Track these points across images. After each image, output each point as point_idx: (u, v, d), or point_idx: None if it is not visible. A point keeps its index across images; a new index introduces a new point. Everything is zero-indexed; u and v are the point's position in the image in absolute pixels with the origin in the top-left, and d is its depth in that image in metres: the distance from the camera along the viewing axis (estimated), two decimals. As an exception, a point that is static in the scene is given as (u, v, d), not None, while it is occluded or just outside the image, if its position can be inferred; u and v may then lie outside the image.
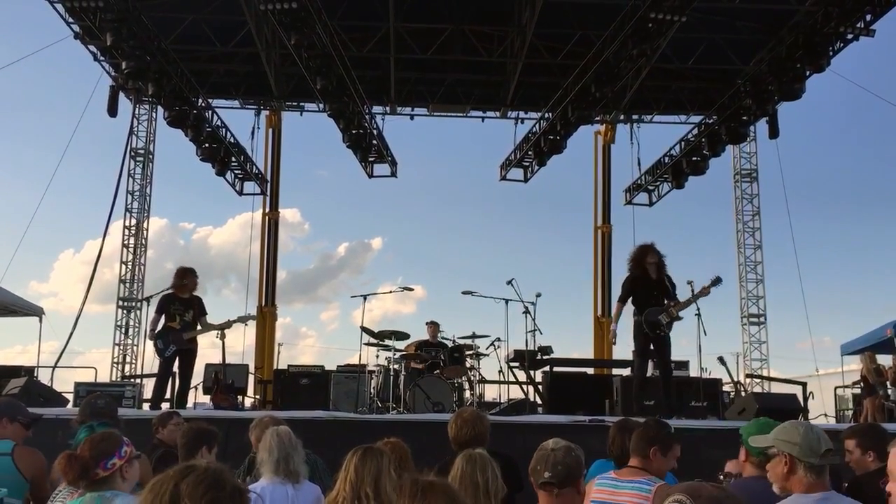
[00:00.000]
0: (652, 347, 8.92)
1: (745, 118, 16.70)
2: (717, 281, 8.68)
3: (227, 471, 1.82)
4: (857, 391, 13.67)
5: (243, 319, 9.99)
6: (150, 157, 20.34)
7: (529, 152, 18.44)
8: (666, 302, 8.70)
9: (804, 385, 12.40)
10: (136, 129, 19.54)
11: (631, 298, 8.88)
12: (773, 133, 17.60)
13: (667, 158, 19.04)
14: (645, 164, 19.98)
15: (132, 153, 19.58)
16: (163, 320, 9.39)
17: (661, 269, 8.81)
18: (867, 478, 4.08)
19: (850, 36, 13.90)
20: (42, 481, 4.56)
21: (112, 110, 17.02)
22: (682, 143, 18.48)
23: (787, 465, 3.03)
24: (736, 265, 20.74)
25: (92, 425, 3.82)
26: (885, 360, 12.92)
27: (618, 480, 3.76)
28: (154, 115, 20.09)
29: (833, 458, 2.97)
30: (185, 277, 9.53)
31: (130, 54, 13.97)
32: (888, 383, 12.37)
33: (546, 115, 17.38)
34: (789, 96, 15.35)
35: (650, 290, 8.76)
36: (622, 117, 19.94)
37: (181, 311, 9.39)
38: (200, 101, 16.99)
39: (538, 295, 10.77)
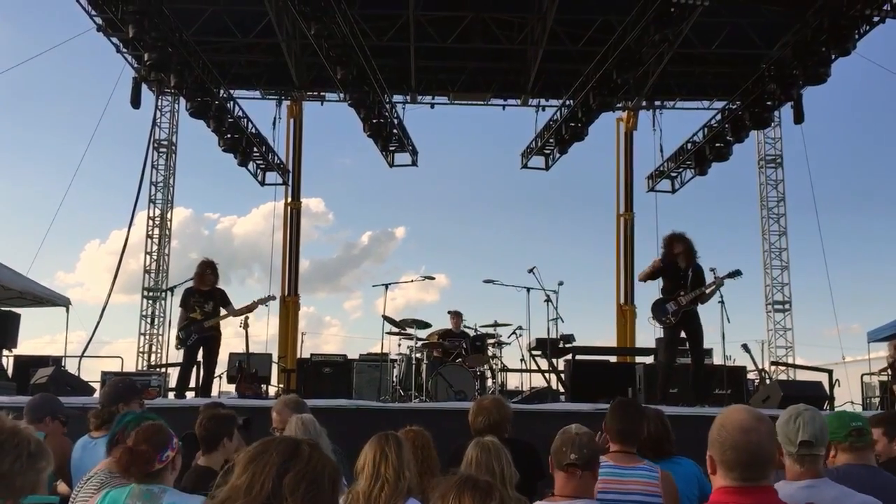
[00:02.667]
0: (683, 335, 8.91)
1: (769, 103, 16.49)
2: (734, 273, 8.61)
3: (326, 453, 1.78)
4: (884, 378, 13.50)
5: (264, 301, 10.04)
6: (174, 147, 20.50)
7: (551, 140, 18.35)
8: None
9: (830, 373, 12.26)
10: (158, 120, 19.70)
11: (661, 287, 8.87)
12: (798, 118, 17.38)
13: (690, 145, 18.88)
14: (667, 151, 19.85)
15: (155, 144, 19.74)
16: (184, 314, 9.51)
17: (690, 257, 8.76)
18: (891, 464, 4.07)
19: (876, 18, 13.68)
20: (65, 469, 4.62)
21: (135, 102, 17.15)
22: (706, 129, 18.31)
23: (779, 451, 3.06)
24: (760, 252, 20.59)
25: (142, 414, 3.84)
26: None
27: (619, 468, 3.74)
28: (176, 106, 20.23)
29: (811, 450, 2.96)
30: (205, 270, 9.62)
31: (152, 46, 14.05)
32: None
33: (567, 103, 17.28)
34: (814, 80, 15.14)
35: (678, 279, 8.72)
36: (644, 104, 19.79)
37: (201, 302, 9.49)
38: (222, 92, 17.07)
39: (560, 283, 10.74)
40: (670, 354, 9.04)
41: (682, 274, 8.72)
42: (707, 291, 8.62)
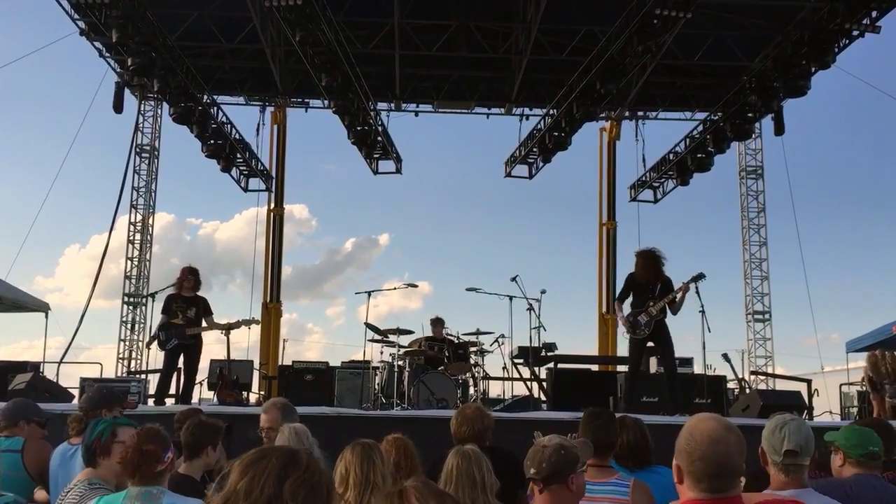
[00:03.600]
0: (651, 345, 9.00)
1: (750, 115, 16.66)
2: (698, 277, 8.69)
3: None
4: (862, 389, 13.63)
5: (247, 323, 9.97)
6: (156, 153, 20.39)
7: (534, 149, 18.43)
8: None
9: (809, 382, 12.38)
10: (141, 125, 19.59)
11: (630, 300, 8.97)
12: (779, 130, 17.57)
13: (672, 155, 19.02)
14: (650, 161, 20.00)
15: (138, 149, 19.63)
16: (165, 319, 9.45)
17: (658, 271, 8.86)
18: None
19: (855, 32, 13.85)
20: (44, 475, 4.58)
21: (118, 107, 17.07)
22: (688, 139, 18.45)
23: (762, 458, 3.11)
24: (741, 262, 20.73)
25: (115, 420, 3.82)
26: None
27: (589, 484, 3.60)
28: (159, 111, 20.14)
29: (795, 460, 2.97)
30: (187, 277, 9.58)
31: (136, 51, 13.99)
32: (886, 381, 12.30)
33: (551, 112, 17.37)
34: (795, 93, 15.33)
35: (646, 292, 8.82)
36: (627, 114, 19.94)
37: (183, 308, 9.44)
38: (205, 97, 17.02)
39: (543, 292, 10.77)
40: (636, 360, 9.11)
41: (650, 287, 8.82)
42: (675, 298, 8.69)
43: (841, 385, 15.93)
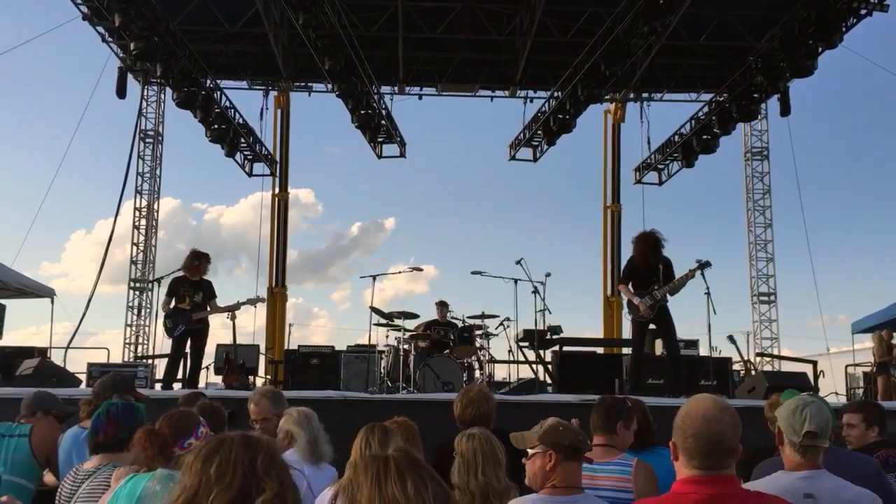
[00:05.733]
0: (653, 327, 9.00)
1: (756, 95, 16.57)
2: (704, 265, 8.67)
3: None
4: (868, 370, 13.64)
5: (252, 302, 10.03)
6: (160, 138, 20.38)
7: (539, 132, 18.38)
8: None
9: (815, 364, 12.37)
10: (144, 110, 19.58)
11: (631, 283, 8.98)
12: (785, 110, 17.46)
13: (677, 137, 18.95)
14: (655, 143, 19.93)
15: (142, 134, 19.63)
16: (173, 303, 9.47)
17: (659, 255, 8.86)
18: (865, 450, 4.23)
19: (863, 11, 13.76)
20: (52, 459, 4.60)
21: (121, 92, 17.05)
22: (693, 121, 18.37)
23: (778, 437, 3.11)
24: (746, 244, 20.70)
25: (117, 405, 3.83)
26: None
27: (594, 464, 3.62)
28: (163, 96, 20.12)
29: (815, 441, 2.98)
30: (198, 260, 9.60)
31: (138, 35, 13.95)
32: (894, 362, 12.33)
33: (555, 94, 17.30)
34: (801, 73, 15.21)
35: (649, 274, 8.82)
36: (632, 96, 19.84)
37: (191, 292, 9.47)
38: (209, 82, 16.98)
39: (547, 275, 10.77)
40: (638, 344, 9.14)
41: (652, 270, 8.81)
42: (678, 283, 8.71)
43: (847, 366, 15.94)
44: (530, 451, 3.18)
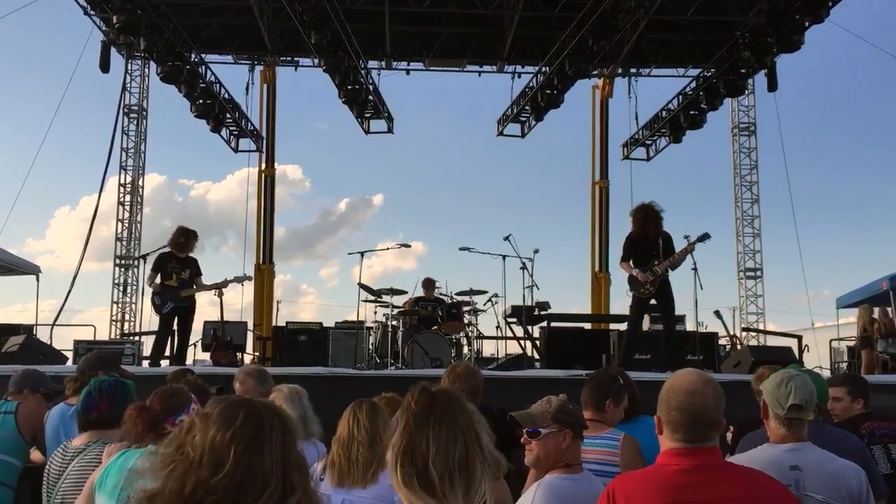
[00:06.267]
0: (653, 303, 8.99)
1: (743, 71, 16.57)
2: (703, 237, 8.66)
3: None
4: (852, 344, 13.78)
5: (239, 280, 9.99)
6: (144, 113, 20.18)
7: (526, 107, 18.32)
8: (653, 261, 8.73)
9: (800, 338, 12.49)
10: (128, 85, 19.35)
11: (632, 259, 8.90)
12: (772, 86, 17.46)
13: (664, 112, 18.94)
14: (643, 119, 19.91)
15: (126, 109, 19.42)
16: (159, 279, 9.41)
17: (658, 227, 8.79)
18: (851, 422, 4.26)
19: (851, -14, 13.72)
20: (39, 437, 4.59)
21: (104, 66, 16.80)
22: (680, 96, 18.36)
23: (763, 411, 3.15)
24: (733, 219, 20.77)
25: (108, 381, 3.82)
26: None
27: (584, 438, 3.72)
28: (147, 70, 19.88)
29: (799, 414, 3.01)
30: (185, 237, 9.53)
31: (121, 8, 13.78)
32: (878, 336, 12.44)
33: (543, 69, 17.23)
34: (788, 48, 15.21)
35: (649, 249, 8.76)
36: (620, 71, 19.77)
37: (178, 269, 9.41)
38: (193, 56, 16.79)
39: (536, 251, 10.79)
40: (634, 318, 9.11)
41: (653, 244, 8.76)
42: (678, 257, 8.67)
43: (831, 340, 16.10)
44: (543, 431, 3.11)
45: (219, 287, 9.65)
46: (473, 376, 4.60)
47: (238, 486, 1.49)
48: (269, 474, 1.53)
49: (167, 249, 9.56)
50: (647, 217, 8.79)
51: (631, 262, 8.86)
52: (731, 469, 2.48)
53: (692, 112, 17.82)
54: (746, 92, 19.27)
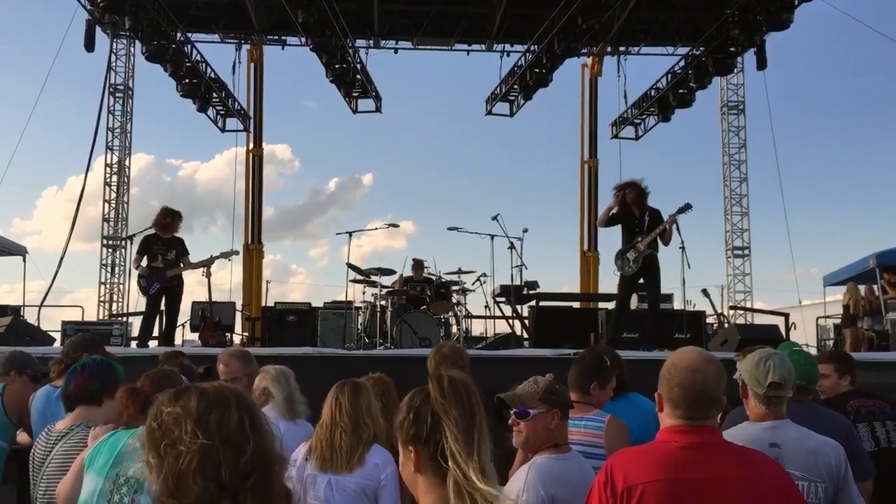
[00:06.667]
0: (641, 281, 9.00)
1: (732, 49, 16.54)
2: (685, 208, 8.62)
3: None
4: (838, 321, 13.86)
5: (226, 255, 9.91)
6: (130, 93, 19.99)
7: (515, 86, 18.25)
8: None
9: (787, 316, 12.57)
10: (114, 64, 19.14)
11: (622, 236, 8.89)
12: (761, 64, 17.44)
13: (653, 91, 18.90)
14: (632, 98, 19.86)
15: (111, 89, 19.22)
16: (145, 260, 9.36)
17: (642, 202, 8.77)
18: (835, 400, 4.28)
19: (840, -36, 13.68)
20: (26, 419, 4.58)
21: (89, 45, 16.62)
22: (669, 75, 18.31)
23: (742, 390, 3.17)
24: (721, 198, 20.83)
25: (94, 359, 3.80)
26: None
27: (569, 420, 3.59)
28: (132, 49, 19.66)
29: (779, 392, 3.03)
30: (170, 218, 9.47)
31: (105, -14, 13.60)
32: (863, 314, 12.51)
33: (532, 48, 17.14)
34: (777, 26, 15.18)
35: (633, 226, 8.75)
36: (609, 49, 19.69)
37: (163, 250, 9.36)
38: (179, 35, 16.62)
39: (525, 230, 10.79)
40: (622, 297, 9.12)
41: (637, 221, 8.75)
42: (661, 231, 8.62)
43: (818, 318, 16.19)
44: (532, 412, 3.09)
45: (206, 264, 9.59)
46: (459, 356, 4.61)
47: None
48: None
49: (152, 231, 9.50)
50: (631, 195, 8.76)
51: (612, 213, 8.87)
52: (730, 448, 2.49)
53: (681, 91, 17.79)
54: (735, 70, 19.27)
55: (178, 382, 3.35)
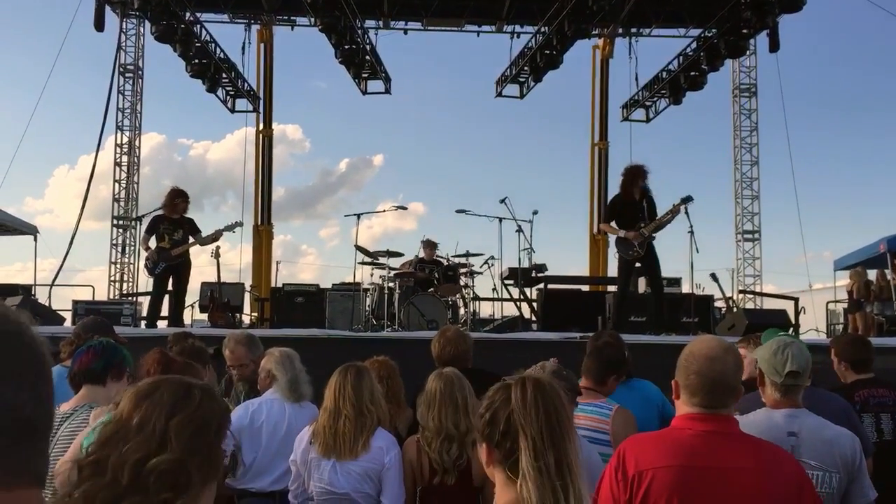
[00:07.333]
0: (639, 265, 9.01)
1: (744, 31, 16.38)
2: (686, 199, 8.64)
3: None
4: (846, 306, 13.83)
5: (230, 228, 9.88)
6: (140, 73, 19.97)
7: (525, 68, 18.14)
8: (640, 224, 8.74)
9: (796, 300, 12.52)
10: (123, 44, 19.11)
11: (615, 221, 8.91)
12: (774, 46, 17.28)
13: (665, 73, 18.74)
14: (643, 80, 19.71)
15: (121, 69, 19.20)
16: (153, 241, 9.40)
17: (639, 186, 8.78)
18: (849, 388, 4.30)
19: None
20: None
21: (98, 25, 16.63)
22: (681, 57, 18.15)
23: (760, 378, 3.16)
24: (732, 182, 20.70)
25: (101, 341, 3.83)
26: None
27: (578, 405, 3.65)
28: (142, 30, 19.61)
29: (796, 380, 3.03)
30: (178, 199, 9.50)
31: (114, -34, 13.56)
32: (874, 298, 12.47)
33: (542, 29, 17.01)
34: (790, 8, 15.05)
35: (634, 211, 8.77)
36: (620, 31, 19.53)
37: (170, 230, 9.38)
38: (188, 15, 16.58)
39: (535, 213, 10.77)
40: (624, 281, 9.13)
41: (638, 206, 8.77)
42: (663, 220, 8.68)
43: (828, 303, 16.14)
44: None
45: (213, 239, 9.61)
46: (463, 340, 4.62)
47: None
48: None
49: (160, 211, 9.54)
50: (630, 176, 8.79)
51: (614, 224, 8.89)
52: (744, 439, 2.48)
53: (693, 73, 17.65)
54: (748, 52, 19.06)
55: (206, 363, 3.38)
